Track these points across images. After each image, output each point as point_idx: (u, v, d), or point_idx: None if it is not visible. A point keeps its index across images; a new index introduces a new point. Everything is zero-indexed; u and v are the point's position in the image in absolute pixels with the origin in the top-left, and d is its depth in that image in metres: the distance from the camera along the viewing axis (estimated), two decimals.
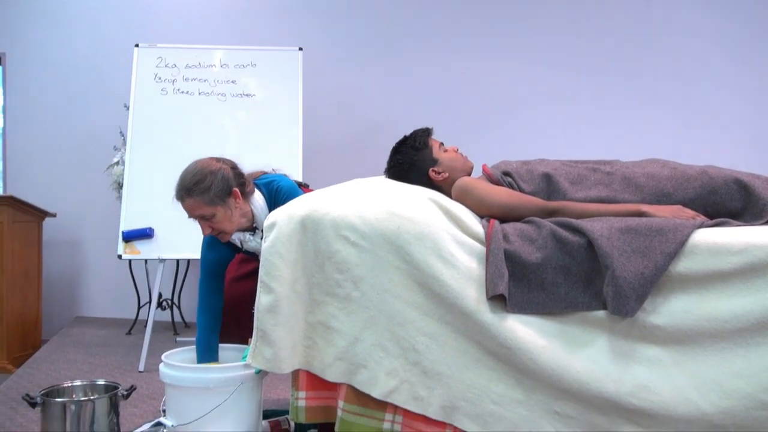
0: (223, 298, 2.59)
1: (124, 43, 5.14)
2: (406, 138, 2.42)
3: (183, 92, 4.29)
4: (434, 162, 2.36)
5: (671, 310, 1.76)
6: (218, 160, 2.44)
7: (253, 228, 2.51)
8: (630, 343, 1.78)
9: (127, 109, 4.30)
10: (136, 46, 4.34)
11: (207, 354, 2.50)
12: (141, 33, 5.18)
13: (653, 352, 1.76)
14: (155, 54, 4.34)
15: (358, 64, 5.09)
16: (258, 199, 2.49)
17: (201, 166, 2.37)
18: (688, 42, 4.52)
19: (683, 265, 1.77)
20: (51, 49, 5.57)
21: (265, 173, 2.65)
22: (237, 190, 2.39)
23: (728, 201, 2.06)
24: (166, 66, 4.32)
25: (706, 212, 2.05)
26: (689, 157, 2.55)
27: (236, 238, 2.50)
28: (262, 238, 2.45)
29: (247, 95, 4.33)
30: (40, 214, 4.68)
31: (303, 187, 2.78)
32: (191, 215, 2.39)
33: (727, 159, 2.85)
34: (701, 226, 1.86)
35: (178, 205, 2.39)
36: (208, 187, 2.33)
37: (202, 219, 2.38)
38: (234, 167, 2.45)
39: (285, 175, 2.65)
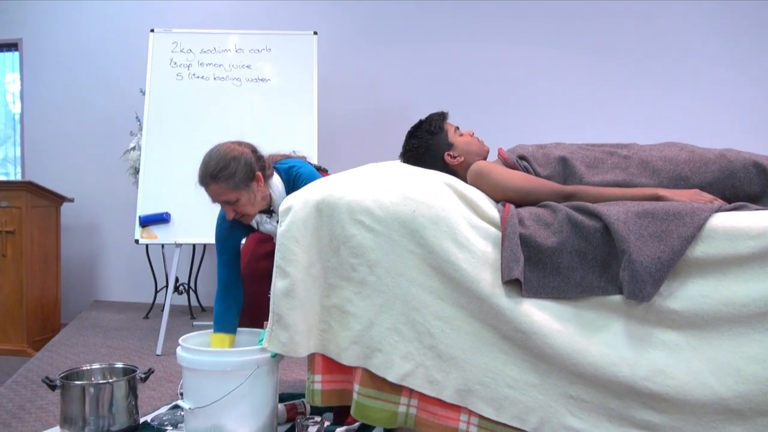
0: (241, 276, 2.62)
1: (139, 29, 5.16)
2: (421, 122, 2.41)
3: (198, 77, 4.29)
4: (449, 146, 2.35)
5: (688, 294, 1.75)
6: (240, 144, 2.45)
7: (269, 210, 2.53)
8: (646, 327, 1.77)
9: (143, 94, 4.31)
10: (152, 31, 4.34)
11: (223, 324, 2.54)
12: (156, 18, 5.20)
13: (669, 337, 1.75)
14: (170, 39, 4.34)
15: (373, 48, 5.07)
16: (276, 183, 2.50)
17: (224, 151, 2.39)
18: (701, 24, 4.46)
19: (700, 249, 1.75)
20: (67, 35, 5.59)
21: (288, 157, 2.66)
22: (259, 173, 2.42)
23: (747, 185, 2.04)
24: (181, 51, 4.32)
25: (724, 196, 2.03)
26: (704, 140, 2.52)
27: (253, 219, 2.52)
28: (278, 222, 2.48)
29: (262, 80, 4.33)
30: (58, 199, 4.72)
31: (322, 172, 2.79)
32: (216, 200, 2.42)
33: (744, 142, 2.82)
34: (719, 210, 1.84)
35: (196, 190, 2.41)
36: (233, 173, 2.35)
37: (227, 204, 2.41)
38: (254, 150, 2.47)
39: (305, 160, 2.66)
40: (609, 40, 4.61)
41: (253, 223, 2.55)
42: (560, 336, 1.78)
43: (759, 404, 1.66)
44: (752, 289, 1.71)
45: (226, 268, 2.59)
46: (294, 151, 2.75)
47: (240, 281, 2.60)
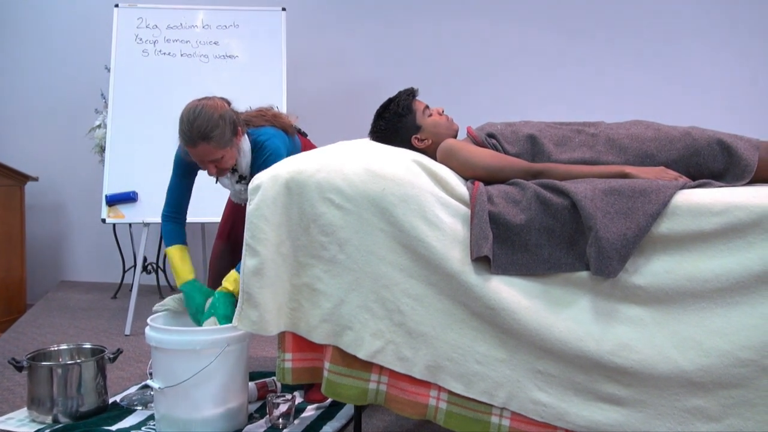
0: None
1: (103, 3, 5.04)
2: (389, 102, 2.39)
3: (165, 54, 4.23)
4: (417, 129, 2.34)
5: (653, 270, 1.78)
6: (216, 99, 2.46)
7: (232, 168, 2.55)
8: (612, 303, 1.80)
9: (108, 71, 4.24)
10: (116, 6, 4.26)
11: (179, 239, 2.64)
12: None
13: (634, 312, 1.79)
14: (136, 14, 4.26)
15: (343, 24, 5.03)
16: (245, 147, 2.53)
17: (211, 109, 2.38)
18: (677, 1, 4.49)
19: (665, 225, 1.78)
20: (31, 10, 5.46)
21: (267, 119, 2.67)
22: (240, 129, 2.47)
23: (711, 162, 2.07)
24: (147, 27, 4.25)
25: (688, 173, 2.06)
26: (673, 118, 2.55)
27: None
28: (237, 181, 2.56)
29: (230, 57, 4.28)
30: (22, 178, 4.63)
31: (300, 136, 2.79)
32: (200, 159, 2.42)
33: (711, 120, 2.85)
34: (683, 187, 1.87)
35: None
36: (222, 133, 2.37)
37: (211, 162, 2.41)
38: (230, 105, 2.51)
39: (283, 130, 2.66)
40: (582, 18, 4.62)
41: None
42: (528, 312, 1.80)
43: (720, 377, 1.71)
44: (715, 264, 1.74)
45: (186, 191, 2.66)
46: (276, 107, 2.79)
47: (187, 205, 2.68)
